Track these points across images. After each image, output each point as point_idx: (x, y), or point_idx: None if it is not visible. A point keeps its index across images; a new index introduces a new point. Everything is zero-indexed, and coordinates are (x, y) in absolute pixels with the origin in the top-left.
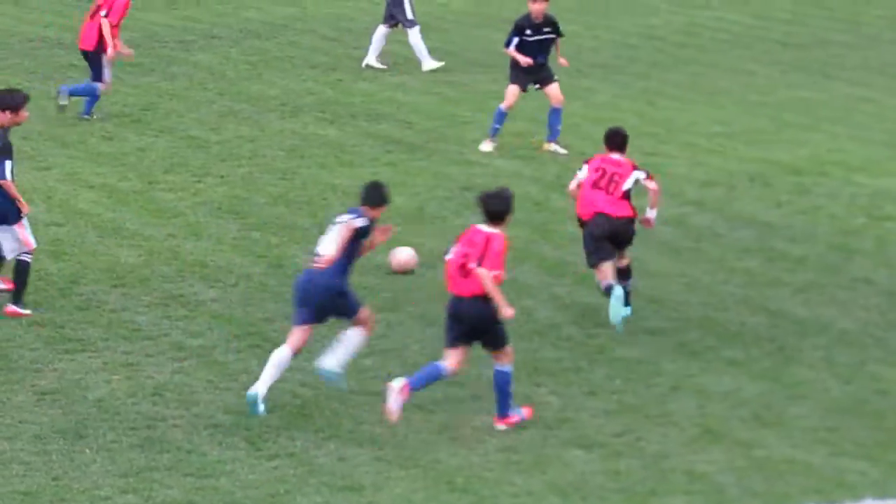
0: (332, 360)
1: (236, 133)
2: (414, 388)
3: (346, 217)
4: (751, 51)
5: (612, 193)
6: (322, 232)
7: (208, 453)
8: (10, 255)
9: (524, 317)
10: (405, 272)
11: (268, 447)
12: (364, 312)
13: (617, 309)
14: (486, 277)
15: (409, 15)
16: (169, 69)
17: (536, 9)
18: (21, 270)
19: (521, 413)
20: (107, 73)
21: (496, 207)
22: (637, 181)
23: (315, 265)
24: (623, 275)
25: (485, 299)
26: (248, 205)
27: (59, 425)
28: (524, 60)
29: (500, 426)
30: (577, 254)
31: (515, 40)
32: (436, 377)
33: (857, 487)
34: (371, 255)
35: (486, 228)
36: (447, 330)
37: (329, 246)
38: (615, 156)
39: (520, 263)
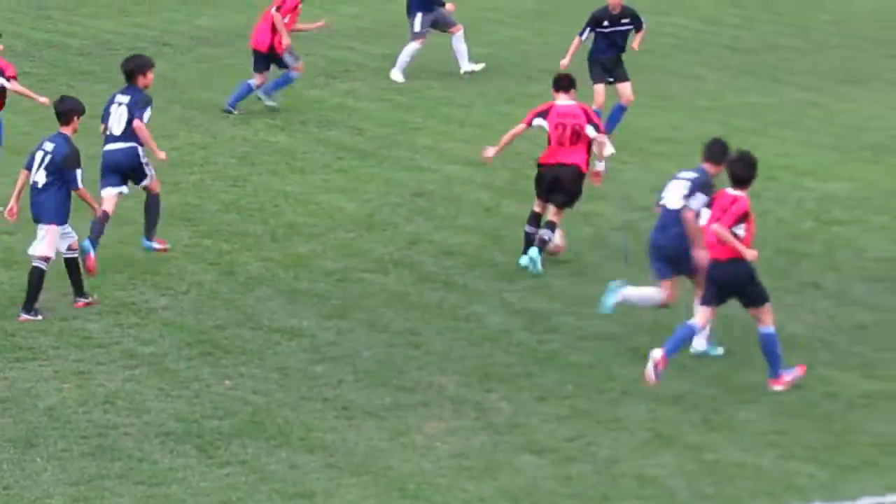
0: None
1: (188, 140)
2: (670, 354)
3: (688, 174)
4: (700, 56)
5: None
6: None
7: (159, 461)
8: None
9: (475, 323)
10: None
11: (219, 455)
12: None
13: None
14: (720, 232)
15: (417, 28)
16: (120, 77)
17: (614, 1)
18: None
19: (794, 372)
20: (290, 59)
21: (741, 172)
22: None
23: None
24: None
25: (740, 261)
26: (200, 212)
27: (10, 434)
28: (562, 62)
29: (777, 387)
30: None
31: (587, 31)
32: (689, 337)
33: (806, 490)
34: (321, 262)
35: (732, 191)
36: (706, 290)
37: (674, 199)
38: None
39: (471, 269)
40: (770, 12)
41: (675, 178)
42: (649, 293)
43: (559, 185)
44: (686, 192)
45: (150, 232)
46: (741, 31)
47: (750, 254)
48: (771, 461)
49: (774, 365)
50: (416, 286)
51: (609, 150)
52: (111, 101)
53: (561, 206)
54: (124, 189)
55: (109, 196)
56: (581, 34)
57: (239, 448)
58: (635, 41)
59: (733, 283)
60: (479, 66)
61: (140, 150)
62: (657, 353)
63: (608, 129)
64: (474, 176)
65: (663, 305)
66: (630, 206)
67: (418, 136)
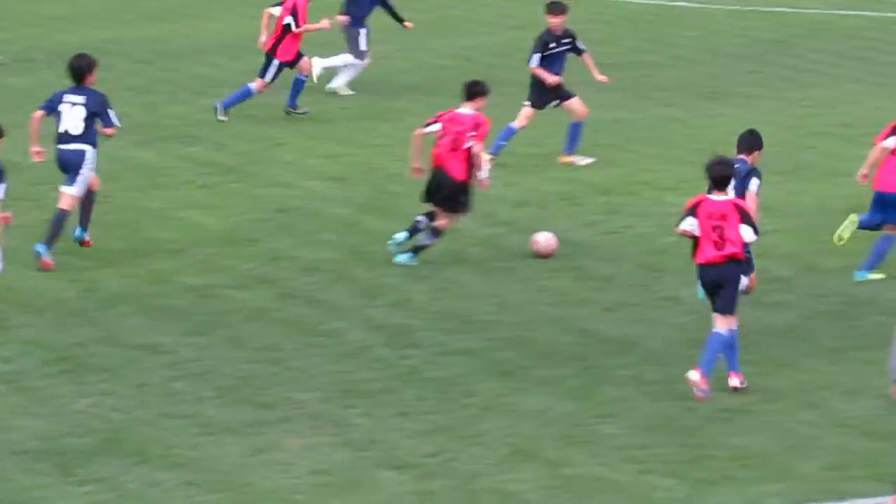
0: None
1: (51, 156)
2: (707, 370)
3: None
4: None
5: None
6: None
7: (17, 480)
8: None
9: (336, 339)
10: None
11: (78, 473)
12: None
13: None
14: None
15: (363, 46)
16: None
17: (556, 22)
18: None
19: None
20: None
21: (721, 172)
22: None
23: None
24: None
25: (733, 265)
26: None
27: None
28: (552, 80)
29: (695, 375)
30: (390, 275)
31: (537, 56)
32: (720, 345)
33: None
34: (183, 278)
35: (721, 197)
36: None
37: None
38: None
39: (332, 285)
40: (634, 28)
41: None
42: None
43: (439, 189)
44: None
45: (85, 223)
46: (605, 48)
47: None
48: (630, 476)
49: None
50: (278, 302)
51: (486, 170)
52: (59, 101)
53: (445, 210)
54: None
55: (67, 194)
56: (531, 62)
57: (98, 466)
58: (595, 71)
59: (723, 282)
60: (349, 92)
61: (88, 154)
62: (695, 376)
63: (570, 150)
64: (335, 192)
65: None
66: (491, 222)
67: (281, 151)
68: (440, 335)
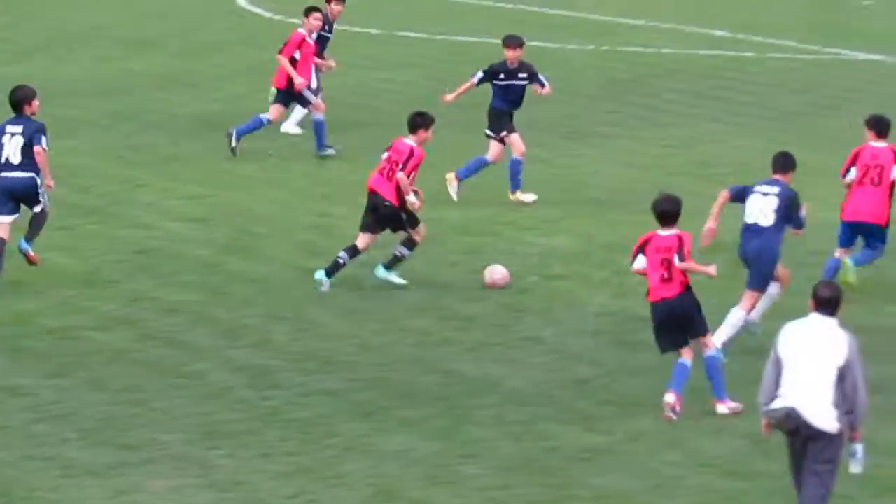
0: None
1: None
2: (678, 393)
3: (768, 188)
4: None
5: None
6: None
7: None
8: None
9: (198, 380)
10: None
11: None
12: (785, 272)
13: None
14: (687, 267)
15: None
16: None
17: (511, 55)
18: None
19: (736, 404)
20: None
21: (666, 207)
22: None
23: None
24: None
25: (688, 293)
26: None
27: None
28: (450, 96)
29: (722, 409)
30: (251, 316)
31: (480, 75)
32: (687, 374)
33: None
34: (43, 319)
35: (668, 232)
36: (666, 336)
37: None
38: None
39: (193, 326)
40: None
41: (753, 192)
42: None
43: (376, 213)
44: (775, 206)
45: (31, 236)
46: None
47: (711, 270)
48: None
49: (718, 387)
50: (140, 343)
51: (412, 198)
52: (1, 132)
53: (395, 231)
54: (16, 216)
55: (4, 223)
56: (475, 77)
57: None
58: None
59: (683, 317)
60: (298, 131)
61: (38, 178)
62: (670, 398)
63: (516, 187)
64: (195, 233)
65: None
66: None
67: (143, 192)
68: (301, 376)
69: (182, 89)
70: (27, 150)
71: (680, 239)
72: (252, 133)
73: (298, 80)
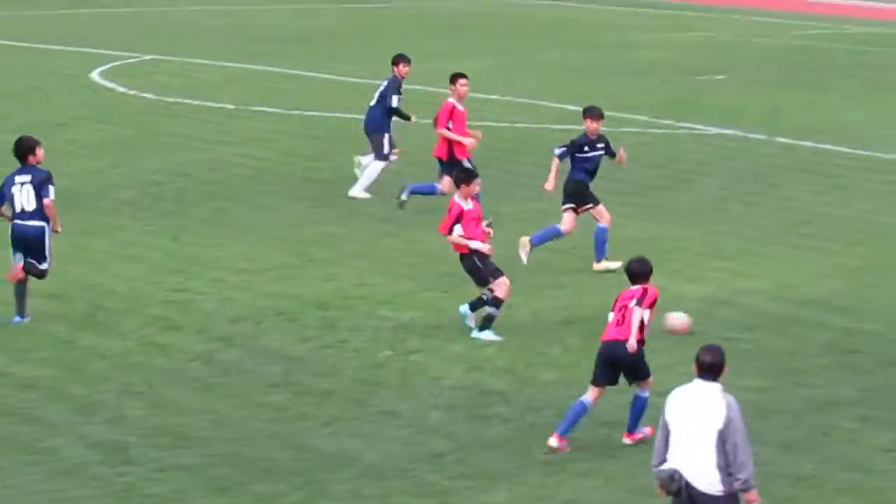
0: None
1: None
2: (565, 433)
3: None
4: (276, 187)
5: None
6: None
7: None
8: None
9: (53, 456)
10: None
11: None
12: None
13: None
14: (638, 314)
15: (386, 149)
16: None
17: (594, 127)
18: None
19: (645, 431)
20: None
21: (631, 266)
22: None
23: None
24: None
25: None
26: None
27: None
28: (549, 184)
29: (628, 441)
30: (106, 392)
31: (561, 149)
32: (583, 413)
33: None
34: None
35: (635, 286)
36: (600, 372)
37: None
38: None
39: (47, 402)
40: (345, 143)
41: None
42: None
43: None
44: None
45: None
46: (316, 163)
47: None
48: None
49: (634, 422)
50: None
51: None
52: (10, 183)
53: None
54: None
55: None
56: (560, 156)
57: None
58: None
59: (622, 358)
60: (366, 196)
61: (47, 229)
62: (554, 442)
63: (599, 256)
64: (51, 308)
65: None
66: (207, 337)
67: None
68: (156, 451)
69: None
70: (39, 199)
71: (645, 290)
72: (421, 195)
73: (468, 141)
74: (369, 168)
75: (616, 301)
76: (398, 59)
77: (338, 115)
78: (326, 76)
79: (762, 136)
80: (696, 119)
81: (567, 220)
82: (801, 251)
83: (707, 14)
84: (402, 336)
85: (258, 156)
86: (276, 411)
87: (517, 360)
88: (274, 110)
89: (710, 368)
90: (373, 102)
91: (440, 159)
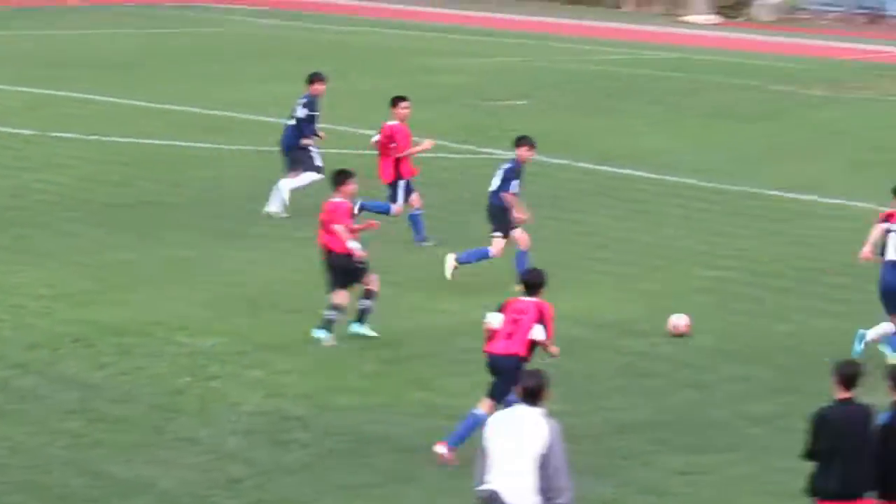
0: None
1: None
2: (455, 445)
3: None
4: (77, 212)
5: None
6: None
7: None
8: None
9: None
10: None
11: None
12: None
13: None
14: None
15: (318, 162)
16: None
17: (528, 155)
18: None
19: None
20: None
21: (529, 278)
22: None
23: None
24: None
25: (518, 357)
26: None
27: None
28: (522, 216)
29: (442, 449)
30: None
31: (516, 183)
32: (477, 424)
33: None
34: None
35: (528, 298)
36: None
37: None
38: None
39: None
40: (148, 170)
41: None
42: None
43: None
44: None
45: None
46: (120, 189)
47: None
48: None
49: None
50: None
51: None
52: None
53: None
54: None
55: None
56: (508, 190)
57: None
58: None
59: (500, 372)
60: (283, 214)
61: None
62: (442, 449)
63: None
64: None
65: None
66: (2, 364)
67: None
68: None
69: None
70: None
71: (540, 311)
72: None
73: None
74: (299, 178)
75: (505, 307)
76: (314, 78)
77: (136, 140)
78: (125, 101)
79: (563, 161)
80: (496, 144)
81: (497, 245)
82: (600, 276)
83: (504, 39)
84: (202, 362)
85: (58, 181)
86: (72, 438)
87: (316, 386)
88: (72, 136)
89: (532, 393)
90: (291, 122)
91: (389, 183)
